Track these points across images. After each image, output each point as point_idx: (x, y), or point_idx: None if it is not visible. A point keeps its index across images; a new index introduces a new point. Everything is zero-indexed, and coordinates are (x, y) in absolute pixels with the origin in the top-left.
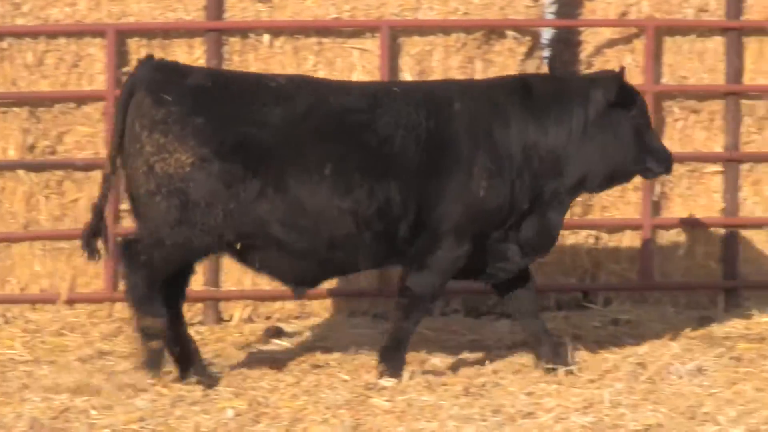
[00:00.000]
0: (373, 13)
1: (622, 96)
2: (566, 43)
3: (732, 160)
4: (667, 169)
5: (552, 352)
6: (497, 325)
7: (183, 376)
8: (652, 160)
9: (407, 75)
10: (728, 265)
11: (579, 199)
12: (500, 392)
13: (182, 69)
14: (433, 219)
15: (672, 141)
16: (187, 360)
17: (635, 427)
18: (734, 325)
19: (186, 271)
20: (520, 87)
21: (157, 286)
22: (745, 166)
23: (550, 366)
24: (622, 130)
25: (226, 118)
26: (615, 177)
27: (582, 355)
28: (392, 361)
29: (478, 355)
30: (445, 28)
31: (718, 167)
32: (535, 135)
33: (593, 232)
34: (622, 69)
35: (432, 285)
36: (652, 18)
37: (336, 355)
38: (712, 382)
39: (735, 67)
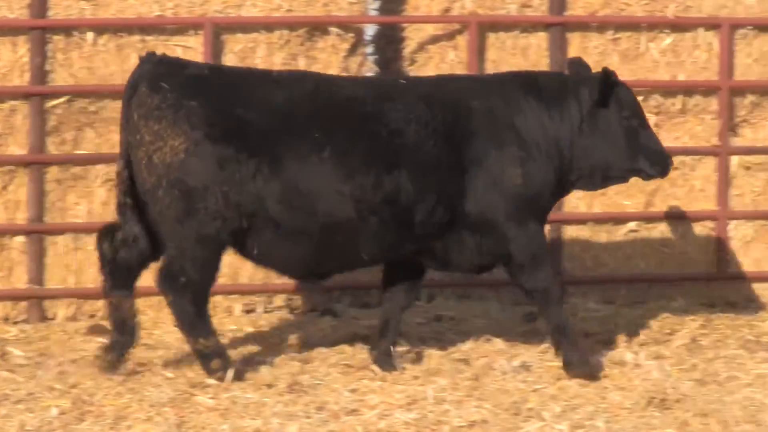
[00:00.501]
0: (196, 11)
1: (603, 96)
2: (389, 39)
3: None
4: (662, 172)
5: (386, 353)
6: (321, 322)
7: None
8: (644, 161)
9: None
10: (552, 260)
11: None
12: (324, 389)
13: (183, 62)
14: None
15: None
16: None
17: (459, 423)
18: None
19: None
20: (529, 82)
21: (204, 303)
22: None
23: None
24: (613, 130)
25: (221, 102)
26: (608, 176)
27: (405, 352)
28: (569, 350)
29: (302, 352)
30: (268, 25)
31: None
32: (552, 127)
33: None
34: (606, 69)
35: (541, 271)
36: (475, 14)
37: (160, 352)
38: (537, 378)
39: (558, 63)
